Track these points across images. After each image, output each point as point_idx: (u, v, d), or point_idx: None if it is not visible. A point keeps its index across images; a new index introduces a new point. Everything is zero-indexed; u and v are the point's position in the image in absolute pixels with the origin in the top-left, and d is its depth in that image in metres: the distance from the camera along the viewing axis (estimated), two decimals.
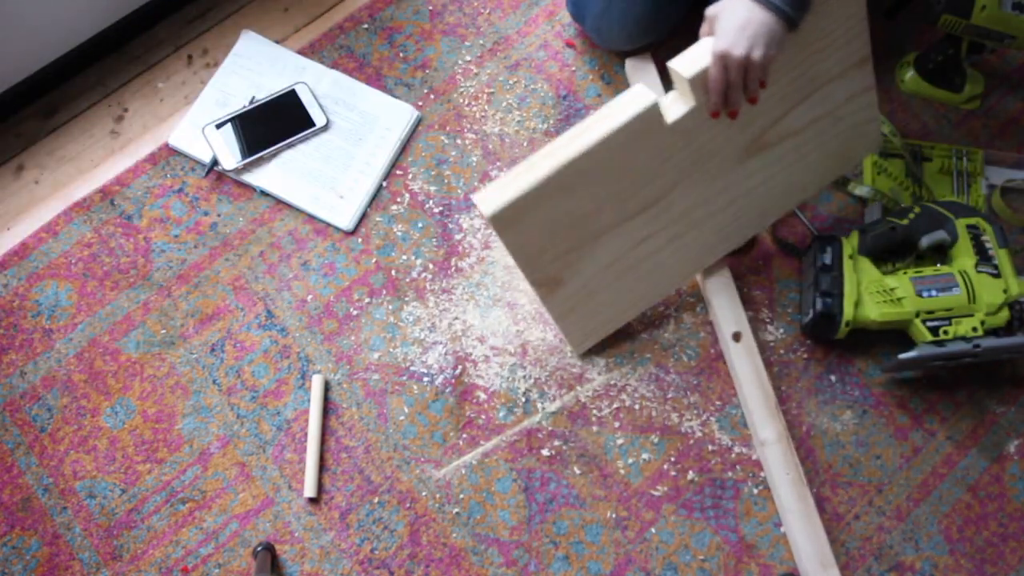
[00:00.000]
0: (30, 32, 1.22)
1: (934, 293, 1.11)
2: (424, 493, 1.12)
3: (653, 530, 1.11)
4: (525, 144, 1.28)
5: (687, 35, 0.96)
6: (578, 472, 1.13)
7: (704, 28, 0.93)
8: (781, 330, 1.20)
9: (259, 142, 1.25)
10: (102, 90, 1.32)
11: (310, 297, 1.21)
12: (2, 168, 1.28)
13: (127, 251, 1.22)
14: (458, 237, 1.23)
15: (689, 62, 0.93)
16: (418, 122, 1.29)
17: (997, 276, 1.12)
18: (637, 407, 1.16)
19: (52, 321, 1.19)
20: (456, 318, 1.19)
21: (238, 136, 1.25)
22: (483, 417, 1.15)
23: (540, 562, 1.09)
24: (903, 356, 1.09)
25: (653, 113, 0.95)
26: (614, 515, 1.11)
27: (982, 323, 1.10)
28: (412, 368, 1.17)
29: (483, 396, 1.16)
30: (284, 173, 1.25)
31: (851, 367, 1.19)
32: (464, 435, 1.14)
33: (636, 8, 1.20)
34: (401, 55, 1.33)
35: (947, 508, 1.13)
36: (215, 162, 1.24)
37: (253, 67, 1.30)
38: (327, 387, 1.16)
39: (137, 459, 1.13)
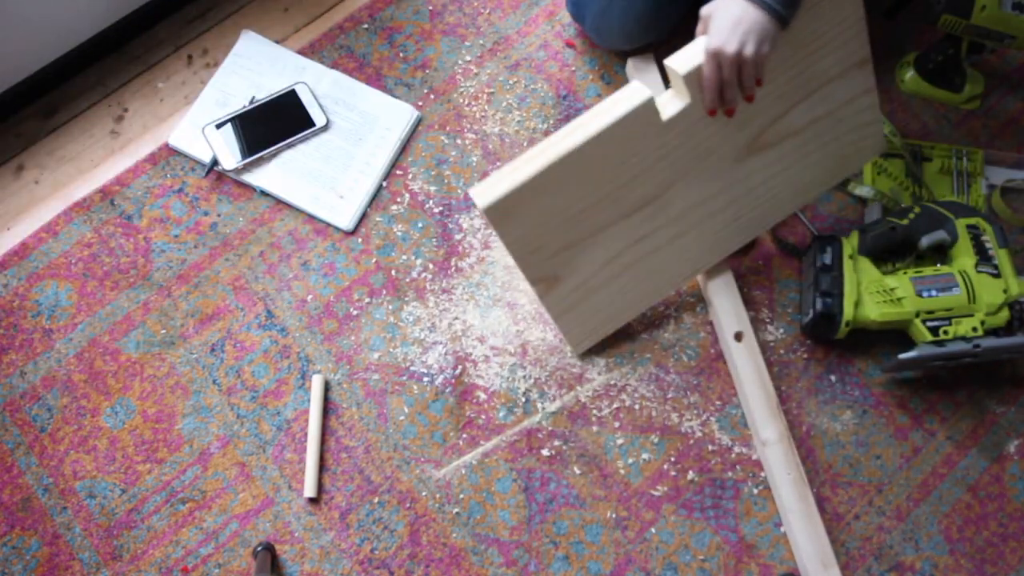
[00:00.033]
0: (30, 32, 1.22)
1: (934, 293, 1.11)
2: (424, 493, 1.12)
3: (653, 530, 1.11)
4: (525, 144, 1.28)
5: (687, 35, 0.97)
6: (578, 472, 1.13)
7: (699, 27, 0.95)
8: (781, 330, 1.20)
9: (259, 142, 1.25)
10: (102, 90, 1.32)
11: (310, 297, 1.21)
12: (2, 168, 1.28)
13: (127, 251, 1.22)
14: (458, 237, 1.23)
15: (684, 59, 0.94)
16: (418, 122, 1.29)
17: (997, 276, 1.12)
18: (637, 407, 1.16)
19: (52, 321, 1.19)
20: (456, 318, 1.19)
21: (238, 136, 1.25)
22: (483, 417, 1.15)
23: (540, 562, 1.09)
24: (903, 356, 1.09)
25: (649, 109, 0.96)
26: (614, 515, 1.11)
27: (982, 323, 1.10)
28: (412, 368, 1.17)
29: (483, 396, 1.16)
30: (284, 173, 1.25)
31: (851, 367, 1.19)
32: (464, 435, 1.14)
33: (636, 7, 1.20)
34: (401, 55, 1.33)
35: (947, 508, 1.13)
36: (215, 162, 1.24)
37: (253, 67, 1.30)
38: (327, 387, 1.16)
39: (137, 459, 1.13)
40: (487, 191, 0.95)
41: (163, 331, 1.18)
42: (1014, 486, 1.14)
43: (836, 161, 1.16)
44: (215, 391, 1.16)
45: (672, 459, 1.14)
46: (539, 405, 1.16)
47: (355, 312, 1.20)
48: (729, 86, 0.94)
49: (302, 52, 1.32)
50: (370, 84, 1.30)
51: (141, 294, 1.20)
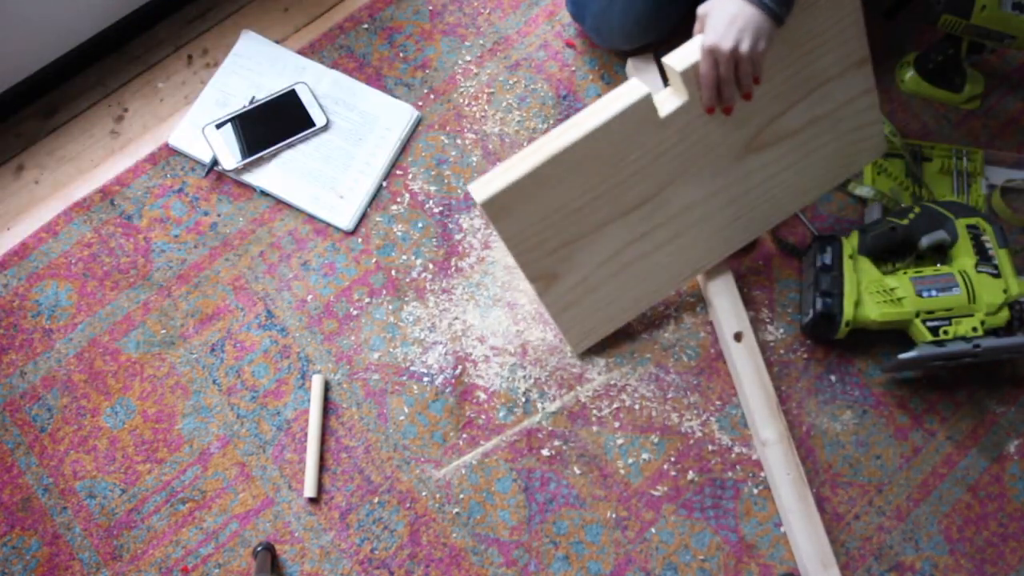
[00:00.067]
0: (30, 32, 1.22)
1: (934, 293, 1.11)
2: (424, 493, 1.12)
3: (653, 530, 1.11)
4: (525, 144, 1.28)
5: (687, 35, 0.97)
6: (578, 472, 1.13)
7: (696, 26, 0.96)
8: (781, 330, 1.20)
9: (259, 142, 1.25)
10: (102, 90, 1.32)
11: (310, 297, 1.21)
12: (2, 168, 1.28)
13: (127, 251, 1.22)
14: (458, 237, 1.23)
15: (682, 57, 0.95)
16: (418, 122, 1.29)
17: (997, 276, 1.12)
18: (637, 407, 1.16)
19: (52, 321, 1.19)
20: (456, 318, 1.19)
21: (238, 136, 1.25)
22: (483, 417, 1.15)
23: (540, 562, 1.09)
24: (903, 356, 1.09)
25: (646, 106, 0.96)
26: (614, 515, 1.11)
27: (982, 323, 1.10)
28: (412, 368, 1.17)
29: (483, 396, 1.16)
30: (284, 173, 1.25)
31: (851, 367, 1.19)
32: (464, 435, 1.14)
33: (636, 7, 1.20)
34: (401, 55, 1.33)
35: (947, 508, 1.13)
36: (215, 162, 1.24)
37: (253, 67, 1.30)
38: (327, 387, 1.16)
39: (137, 459, 1.13)
40: (485, 186, 0.96)
41: (163, 331, 1.18)
42: (1014, 486, 1.14)
43: (836, 162, 1.16)
44: (215, 391, 1.16)
45: (672, 459, 1.14)
46: (539, 405, 1.16)
47: (355, 312, 1.20)
48: (726, 83, 0.94)
49: (302, 52, 1.32)
50: (370, 84, 1.30)
51: (141, 294, 1.20)
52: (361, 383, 1.16)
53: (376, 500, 1.11)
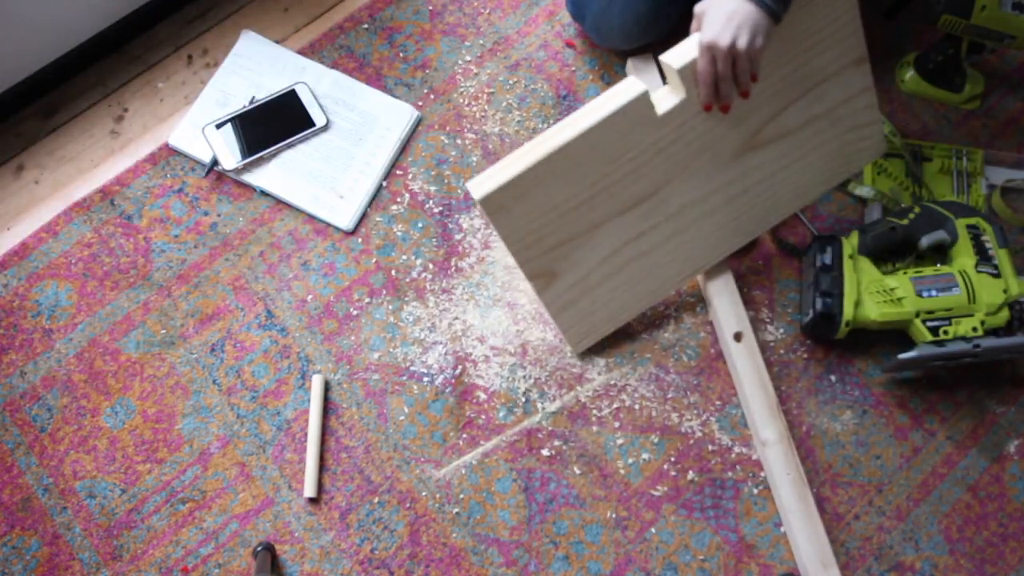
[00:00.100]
0: (30, 32, 1.22)
1: (934, 293, 1.11)
2: (424, 493, 1.12)
3: (653, 530, 1.11)
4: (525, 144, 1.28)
5: (686, 34, 0.97)
6: (578, 472, 1.13)
7: (693, 25, 0.96)
8: (781, 330, 1.20)
9: (259, 142, 1.25)
10: (102, 90, 1.32)
11: (310, 297, 1.21)
12: (2, 168, 1.28)
13: (127, 251, 1.22)
14: (458, 237, 1.24)
15: (679, 54, 0.95)
16: (418, 122, 1.29)
17: (997, 276, 1.12)
18: (637, 407, 1.16)
19: (52, 321, 1.19)
20: (456, 318, 1.19)
21: (238, 136, 1.25)
22: (483, 417, 1.15)
23: (540, 562, 1.09)
24: (903, 356, 1.09)
25: (644, 104, 0.97)
26: (614, 515, 1.11)
27: (982, 323, 1.10)
28: (412, 368, 1.17)
29: (483, 396, 1.16)
30: (284, 173, 1.25)
31: (851, 367, 1.19)
32: (464, 435, 1.14)
33: (636, 7, 1.20)
34: (401, 55, 1.33)
35: (947, 508, 1.13)
36: (215, 162, 1.24)
37: (253, 67, 1.30)
38: (327, 387, 1.16)
39: (137, 459, 1.13)
40: (483, 183, 0.96)
41: (163, 331, 1.18)
42: (1014, 486, 1.14)
43: (835, 162, 1.16)
44: (215, 391, 1.16)
45: (672, 459, 1.14)
46: (539, 405, 1.16)
47: (355, 312, 1.20)
48: (724, 80, 0.95)
49: (302, 52, 1.32)
50: (370, 84, 1.30)
51: (141, 294, 1.20)
52: (361, 383, 1.16)
53: (376, 500, 1.11)
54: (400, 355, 1.18)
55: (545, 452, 1.14)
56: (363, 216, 1.24)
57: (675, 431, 1.15)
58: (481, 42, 1.34)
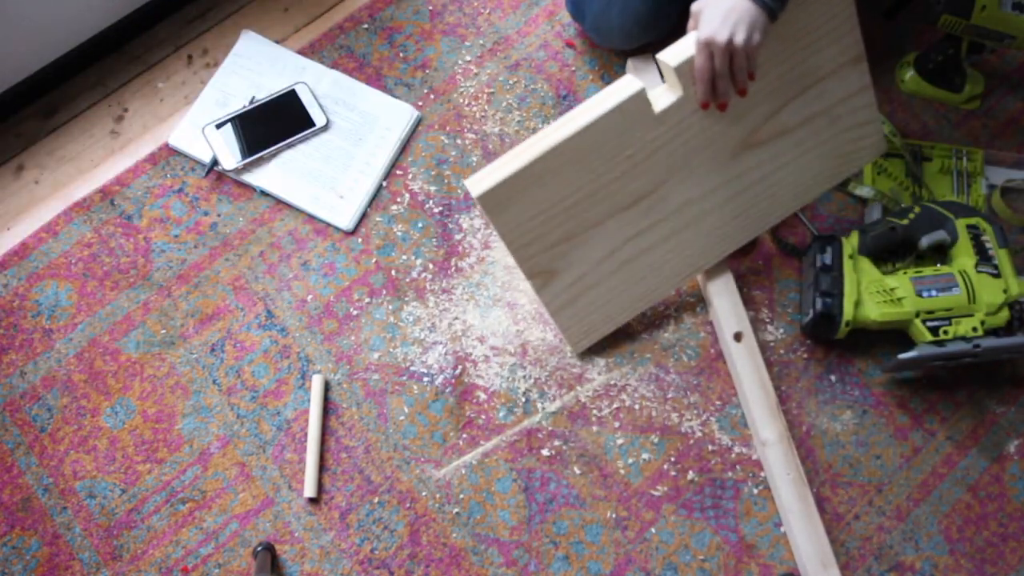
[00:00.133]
0: (30, 32, 1.22)
1: (934, 293, 1.11)
2: (424, 493, 1.12)
3: (653, 530, 1.11)
4: None
5: (686, 34, 0.97)
6: (578, 472, 1.13)
7: (690, 23, 0.96)
8: (781, 330, 1.20)
9: (259, 142, 1.25)
10: (102, 90, 1.32)
11: (310, 297, 1.21)
12: (2, 168, 1.28)
13: (127, 251, 1.22)
14: (458, 237, 1.24)
15: (676, 52, 0.96)
16: (418, 122, 1.29)
17: (997, 276, 1.12)
18: (637, 407, 1.16)
19: (52, 321, 1.19)
20: (456, 318, 1.19)
21: (238, 136, 1.25)
22: (483, 417, 1.15)
23: (540, 562, 1.09)
24: (903, 356, 1.09)
25: (641, 102, 0.97)
26: (614, 515, 1.11)
27: (982, 323, 1.10)
28: (412, 368, 1.17)
29: (483, 396, 1.16)
30: (284, 173, 1.25)
31: (851, 367, 1.19)
32: (464, 435, 1.14)
33: (636, 7, 1.20)
34: (401, 55, 1.33)
35: (947, 508, 1.13)
36: (215, 162, 1.24)
37: (253, 67, 1.30)
38: (327, 387, 1.16)
39: (137, 459, 1.13)
40: (482, 180, 0.97)
41: (163, 331, 1.18)
42: (1014, 486, 1.14)
43: (835, 161, 1.16)
44: (215, 391, 1.16)
45: (672, 459, 1.14)
46: (539, 405, 1.16)
47: (355, 312, 1.20)
48: (721, 77, 0.95)
49: (302, 52, 1.32)
50: (370, 84, 1.30)
51: (141, 294, 1.20)
52: (361, 383, 1.16)
53: (376, 500, 1.11)
54: (400, 355, 1.18)
55: (545, 452, 1.14)
56: (363, 216, 1.24)
57: (675, 431, 1.15)
58: (481, 42, 1.34)
